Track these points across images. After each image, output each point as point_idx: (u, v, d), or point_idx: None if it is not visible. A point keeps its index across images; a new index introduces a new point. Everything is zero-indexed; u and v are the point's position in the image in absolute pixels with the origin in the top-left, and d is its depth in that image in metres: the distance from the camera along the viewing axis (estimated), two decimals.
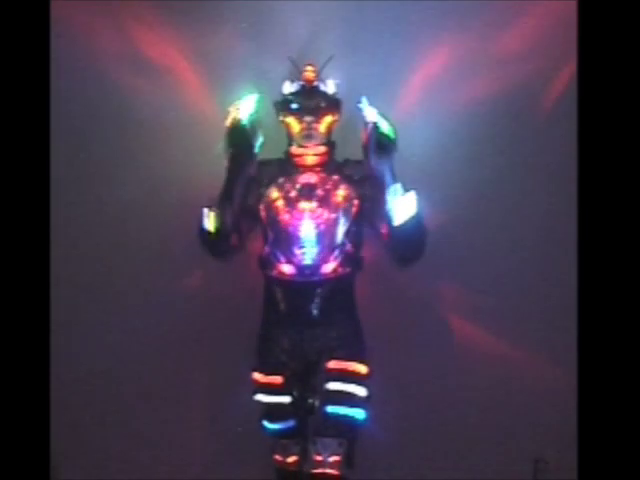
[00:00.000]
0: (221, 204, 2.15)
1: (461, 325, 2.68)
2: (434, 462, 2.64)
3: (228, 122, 2.16)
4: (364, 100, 2.15)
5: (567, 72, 2.46)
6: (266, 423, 2.25)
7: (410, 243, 2.14)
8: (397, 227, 2.10)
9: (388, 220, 2.11)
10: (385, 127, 2.12)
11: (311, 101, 2.19)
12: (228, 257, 2.27)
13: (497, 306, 2.65)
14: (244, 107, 2.16)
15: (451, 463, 2.65)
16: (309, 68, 2.22)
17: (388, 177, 2.11)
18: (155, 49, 2.58)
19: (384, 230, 2.15)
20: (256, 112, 2.18)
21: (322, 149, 2.22)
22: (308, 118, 2.19)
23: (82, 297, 2.67)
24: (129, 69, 2.59)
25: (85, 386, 2.67)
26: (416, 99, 2.41)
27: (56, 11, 1.99)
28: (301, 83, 2.22)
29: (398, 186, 2.10)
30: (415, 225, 2.10)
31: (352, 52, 2.30)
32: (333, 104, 2.21)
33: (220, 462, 2.68)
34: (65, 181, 2.54)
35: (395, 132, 2.13)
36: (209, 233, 2.16)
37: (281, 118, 2.23)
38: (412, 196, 2.09)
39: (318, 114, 2.19)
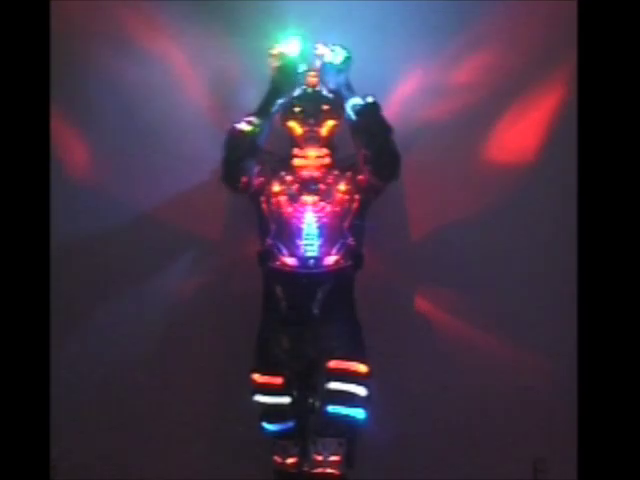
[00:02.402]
0: (258, 115, 2.16)
1: (461, 325, 2.68)
2: (434, 462, 2.64)
3: (275, 55, 2.18)
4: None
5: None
6: (265, 424, 2.25)
7: (373, 132, 2.13)
8: (357, 120, 2.13)
9: (350, 121, 2.15)
10: (331, 56, 2.17)
11: (313, 105, 2.21)
12: (240, 185, 2.18)
13: (497, 306, 2.65)
14: (290, 44, 2.18)
15: (451, 463, 2.65)
16: (312, 73, 2.23)
17: (344, 92, 2.17)
18: (153, 42, 2.59)
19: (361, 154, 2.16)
20: (300, 50, 2.20)
21: (324, 152, 2.24)
22: (310, 121, 2.21)
23: (81, 298, 2.67)
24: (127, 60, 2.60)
25: (84, 386, 2.66)
26: (395, 114, 2.39)
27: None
28: (303, 87, 2.24)
29: (358, 100, 2.15)
30: (372, 111, 2.13)
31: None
32: (335, 108, 2.22)
33: (220, 463, 2.67)
34: (63, 176, 2.55)
35: (347, 55, 2.17)
36: (243, 131, 2.13)
37: (283, 121, 2.24)
38: (368, 99, 2.14)
39: (320, 118, 2.21)
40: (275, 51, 2.18)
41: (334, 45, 2.19)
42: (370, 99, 2.15)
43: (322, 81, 2.22)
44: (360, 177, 2.20)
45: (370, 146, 2.13)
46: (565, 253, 2.25)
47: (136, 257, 2.67)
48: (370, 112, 2.14)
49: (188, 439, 2.69)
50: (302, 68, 2.21)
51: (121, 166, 2.63)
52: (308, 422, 2.23)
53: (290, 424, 2.23)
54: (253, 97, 2.26)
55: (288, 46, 2.18)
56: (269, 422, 2.24)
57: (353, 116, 2.15)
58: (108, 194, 2.63)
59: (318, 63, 2.20)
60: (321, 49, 2.19)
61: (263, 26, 2.39)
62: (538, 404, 2.63)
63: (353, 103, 2.15)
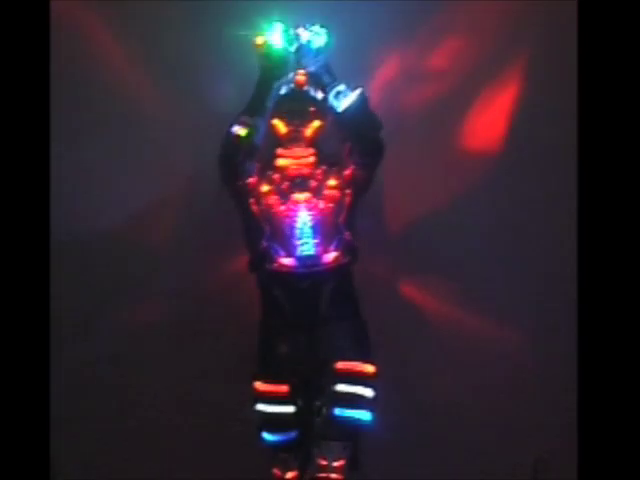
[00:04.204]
0: (253, 115, 2.14)
1: (460, 325, 2.67)
2: (434, 462, 2.63)
3: (260, 44, 2.13)
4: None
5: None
6: (266, 434, 2.22)
7: (360, 124, 2.14)
8: (343, 113, 2.13)
9: (334, 112, 2.15)
10: (309, 36, 2.13)
11: (299, 105, 2.19)
12: (238, 181, 2.18)
13: (497, 305, 2.65)
14: (274, 33, 2.14)
15: (451, 463, 2.64)
16: (301, 72, 2.20)
17: (325, 77, 2.15)
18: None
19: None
20: (286, 38, 2.16)
21: (309, 151, 2.21)
22: (295, 121, 2.19)
23: (82, 303, 2.65)
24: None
25: (85, 388, 2.65)
26: (377, 100, 2.39)
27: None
28: (291, 86, 2.21)
29: (341, 87, 2.14)
30: (361, 106, 2.13)
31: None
32: (321, 110, 2.20)
33: (219, 472, 2.64)
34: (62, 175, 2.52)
35: (326, 35, 2.14)
36: (240, 137, 2.12)
37: (268, 119, 2.21)
38: (357, 90, 2.13)
39: (305, 118, 2.19)
40: (259, 40, 2.14)
41: (312, 25, 2.15)
42: (359, 92, 2.13)
43: (300, 63, 2.16)
44: (346, 172, 2.18)
45: (359, 141, 2.14)
46: (566, 251, 2.25)
47: (134, 262, 2.66)
48: (360, 108, 2.13)
49: (188, 446, 2.67)
50: (289, 53, 2.16)
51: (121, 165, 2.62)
52: (311, 432, 2.20)
53: (292, 434, 2.21)
54: (232, 93, 2.29)
55: (272, 33, 2.13)
56: (270, 432, 2.21)
57: (336, 104, 2.12)
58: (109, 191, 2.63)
59: (295, 45, 2.15)
60: (299, 31, 2.15)
61: (240, 14, 2.34)
62: (538, 403, 2.63)
63: (337, 91, 2.13)
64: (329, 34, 2.14)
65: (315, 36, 2.13)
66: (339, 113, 2.13)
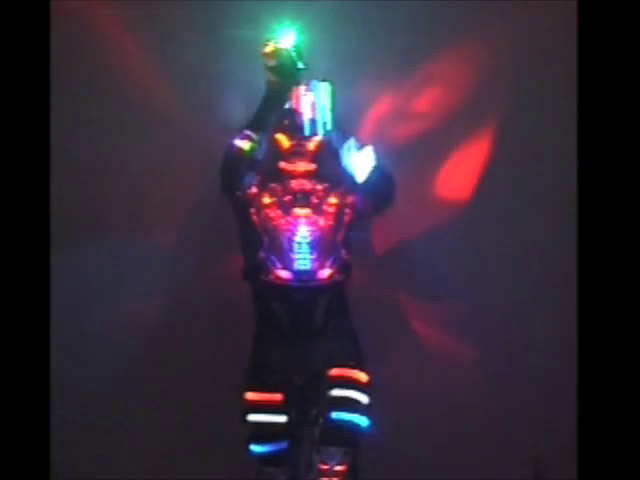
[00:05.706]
0: (257, 129, 2.14)
1: (460, 325, 2.68)
2: (434, 462, 2.64)
3: (270, 53, 2.10)
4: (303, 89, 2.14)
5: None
6: (254, 445, 2.18)
7: (379, 193, 2.17)
8: (362, 182, 2.14)
9: (351, 178, 2.15)
10: (321, 100, 2.12)
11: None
12: (237, 191, 2.17)
13: (495, 305, 2.66)
14: (285, 40, 2.12)
15: (451, 463, 2.64)
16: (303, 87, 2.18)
17: (335, 137, 2.16)
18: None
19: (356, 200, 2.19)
20: (297, 45, 2.14)
21: (311, 166, 2.20)
22: (298, 136, 2.18)
23: (80, 305, 2.66)
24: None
25: (84, 389, 2.65)
26: (369, 135, 2.44)
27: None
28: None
29: (352, 142, 2.15)
30: (379, 175, 2.14)
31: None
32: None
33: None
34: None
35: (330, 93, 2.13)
36: (242, 150, 2.12)
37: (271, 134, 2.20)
38: (368, 150, 2.13)
39: None
40: (269, 49, 2.10)
41: (314, 88, 2.11)
42: (372, 161, 2.12)
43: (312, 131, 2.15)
44: (349, 198, 2.19)
45: (373, 195, 2.16)
46: (565, 251, 2.26)
47: (133, 263, 2.65)
48: (378, 175, 2.14)
49: (187, 447, 2.66)
50: (300, 66, 2.13)
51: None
52: (302, 443, 2.20)
53: (282, 445, 2.18)
54: (237, 104, 2.32)
55: (283, 42, 2.08)
56: (259, 442, 2.17)
57: (352, 171, 2.13)
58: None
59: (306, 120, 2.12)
60: (303, 107, 2.11)
61: (248, 18, 2.34)
62: (538, 404, 2.63)
63: (349, 149, 2.14)
64: (332, 87, 2.11)
65: (320, 103, 2.10)
66: (361, 183, 2.14)
